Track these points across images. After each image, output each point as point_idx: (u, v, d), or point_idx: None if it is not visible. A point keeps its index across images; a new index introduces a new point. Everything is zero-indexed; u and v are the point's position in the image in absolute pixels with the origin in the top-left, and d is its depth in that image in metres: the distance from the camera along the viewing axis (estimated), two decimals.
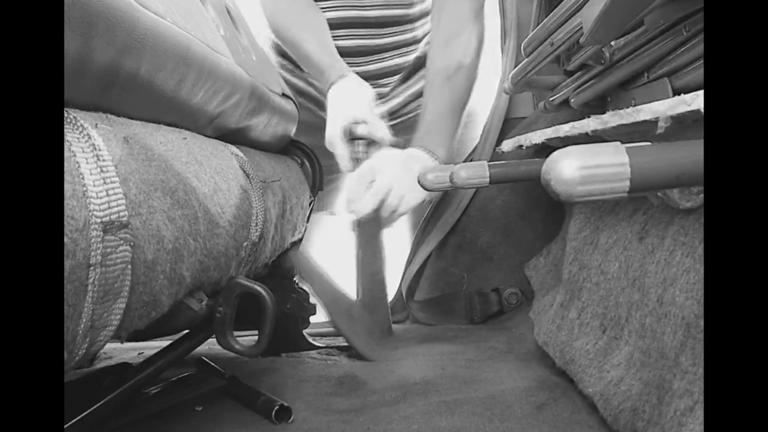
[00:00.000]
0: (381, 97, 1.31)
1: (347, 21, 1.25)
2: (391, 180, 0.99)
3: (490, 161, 1.06)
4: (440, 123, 1.09)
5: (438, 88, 1.11)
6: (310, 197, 1.04)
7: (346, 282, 1.05)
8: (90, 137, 0.40)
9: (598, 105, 0.77)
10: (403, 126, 1.31)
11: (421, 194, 1.01)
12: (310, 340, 1.05)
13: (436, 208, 1.24)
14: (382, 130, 1.07)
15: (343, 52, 1.21)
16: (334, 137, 1.08)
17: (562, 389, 0.73)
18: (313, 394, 0.76)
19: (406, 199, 1.00)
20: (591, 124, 0.65)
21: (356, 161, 1.08)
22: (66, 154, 0.37)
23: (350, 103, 1.09)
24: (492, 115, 1.19)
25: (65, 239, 0.34)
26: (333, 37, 1.22)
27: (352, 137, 1.08)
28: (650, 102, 0.53)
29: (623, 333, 0.63)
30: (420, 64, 1.32)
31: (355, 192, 1.01)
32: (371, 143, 1.08)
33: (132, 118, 0.50)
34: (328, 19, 1.22)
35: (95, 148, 0.39)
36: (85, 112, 0.43)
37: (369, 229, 1.02)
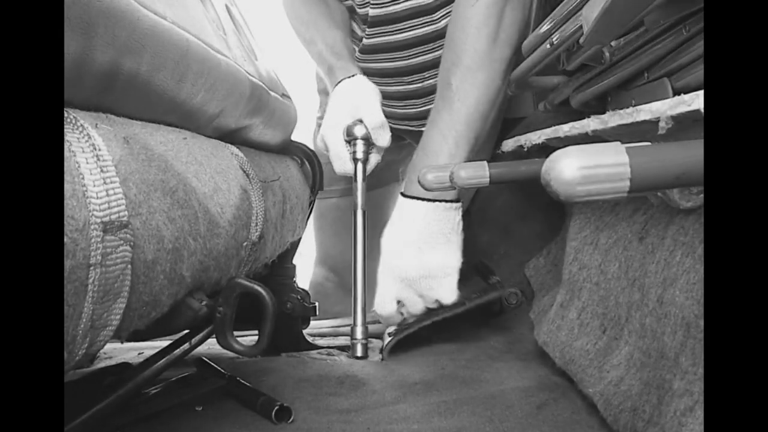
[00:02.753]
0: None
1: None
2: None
3: (490, 161, 1.06)
4: (434, 153, 0.89)
5: (440, 99, 0.92)
6: (310, 197, 1.04)
7: None
8: (90, 137, 0.40)
9: (598, 105, 0.77)
10: None
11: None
12: (310, 340, 1.05)
13: None
14: (382, 135, 1.02)
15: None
16: (332, 136, 1.03)
17: (562, 389, 0.73)
18: (313, 394, 0.76)
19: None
20: (591, 124, 0.65)
21: (355, 162, 1.03)
22: (66, 154, 0.37)
23: (354, 101, 1.03)
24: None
25: (65, 239, 0.34)
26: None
27: (350, 138, 1.03)
28: (650, 102, 0.53)
29: (623, 333, 0.63)
30: None
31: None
32: (371, 144, 1.04)
33: (132, 118, 0.50)
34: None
35: (95, 148, 0.39)
36: (85, 112, 0.43)
37: None
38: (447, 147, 0.89)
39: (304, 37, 1.19)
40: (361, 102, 1.03)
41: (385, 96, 1.16)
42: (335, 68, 1.10)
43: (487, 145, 1.01)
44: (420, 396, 0.74)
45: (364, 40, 1.20)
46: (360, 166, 1.03)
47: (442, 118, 0.90)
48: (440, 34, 1.13)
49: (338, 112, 1.04)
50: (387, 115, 1.07)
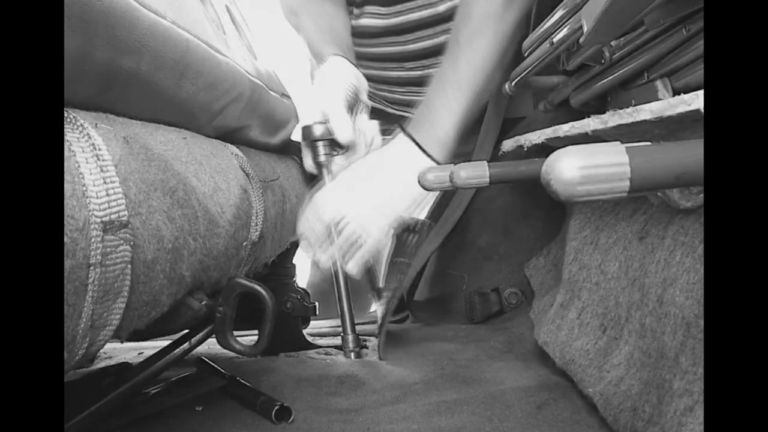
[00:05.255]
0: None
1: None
2: (357, 228, 0.87)
3: (490, 161, 1.06)
4: (435, 109, 0.87)
5: (447, 56, 0.90)
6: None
7: None
8: (90, 137, 0.40)
9: (598, 105, 0.77)
10: None
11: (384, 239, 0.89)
12: (310, 339, 1.05)
13: (436, 209, 1.23)
14: (343, 132, 0.92)
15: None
16: (297, 137, 0.97)
17: (562, 389, 0.73)
18: (313, 394, 0.76)
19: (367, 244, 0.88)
20: (591, 124, 0.65)
21: (319, 165, 0.94)
22: (66, 153, 0.37)
23: (318, 96, 0.95)
24: (492, 114, 1.19)
25: (65, 239, 0.34)
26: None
27: (312, 138, 0.93)
28: (650, 102, 0.53)
29: (623, 333, 0.63)
30: None
31: (315, 235, 0.88)
32: (336, 144, 0.94)
33: (132, 118, 0.50)
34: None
35: (95, 148, 0.39)
36: (85, 112, 0.43)
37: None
38: (447, 104, 0.88)
39: (292, 21, 1.17)
40: (323, 95, 0.94)
41: (387, 81, 1.14)
42: (317, 50, 1.07)
43: (484, 96, 0.94)
44: (420, 396, 0.74)
45: (358, 20, 1.18)
46: (324, 171, 0.94)
47: (447, 74, 0.88)
48: (439, 19, 1.12)
49: (304, 110, 0.98)
50: (390, 101, 1.04)
